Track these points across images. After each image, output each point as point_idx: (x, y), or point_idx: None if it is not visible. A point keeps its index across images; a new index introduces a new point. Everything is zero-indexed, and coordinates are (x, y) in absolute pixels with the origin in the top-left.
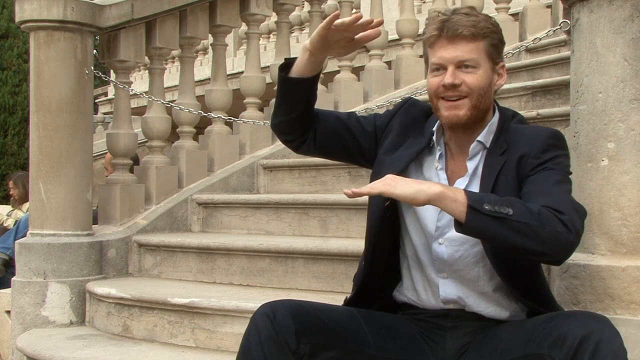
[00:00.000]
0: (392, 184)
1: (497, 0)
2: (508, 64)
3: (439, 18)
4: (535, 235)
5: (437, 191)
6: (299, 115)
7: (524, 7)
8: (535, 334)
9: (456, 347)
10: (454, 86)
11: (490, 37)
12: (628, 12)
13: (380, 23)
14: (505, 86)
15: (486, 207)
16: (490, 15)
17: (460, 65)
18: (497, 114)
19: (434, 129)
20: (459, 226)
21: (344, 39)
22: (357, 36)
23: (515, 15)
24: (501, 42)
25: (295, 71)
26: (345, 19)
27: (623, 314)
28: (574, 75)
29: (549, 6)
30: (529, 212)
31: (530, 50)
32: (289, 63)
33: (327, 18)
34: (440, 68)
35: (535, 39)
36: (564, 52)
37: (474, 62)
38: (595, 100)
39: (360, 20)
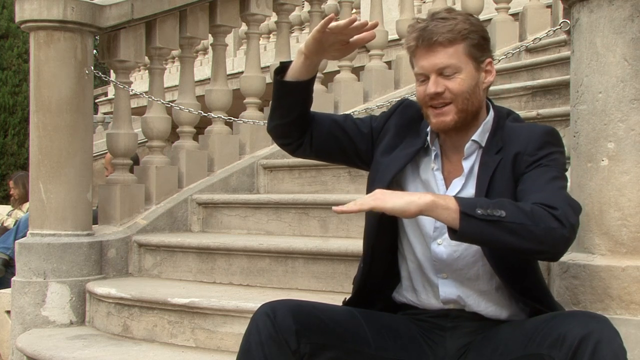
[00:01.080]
0: (382, 199)
1: (497, 0)
2: (508, 64)
3: (417, 26)
4: (529, 234)
5: (427, 201)
6: (295, 118)
7: (524, 7)
8: (535, 334)
9: (456, 347)
10: (438, 94)
11: (470, 37)
12: (628, 12)
13: (375, 25)
14: (505, 86)
15: (479, 211)
16: (490, 15)
17: (441, 72)
18: (491, 113)
19: (428, 130)
20: (454, 233)
21: (339, 42)
22: (352, 39)
23: (515, 15)
24: (484, 39)
25: (290, 75)
26: (339, 22)
27: (623, 314)
28: (574, 75)
29: (549, 6)
30: (521, 212)
31: (530, 50)
32: (284, 67)
33: (322, 21)
34: (424, 77)
35: (535, 39)
36: (564, 52)
37: (454, 68)
38: (595, 100)
39: (355, 23)
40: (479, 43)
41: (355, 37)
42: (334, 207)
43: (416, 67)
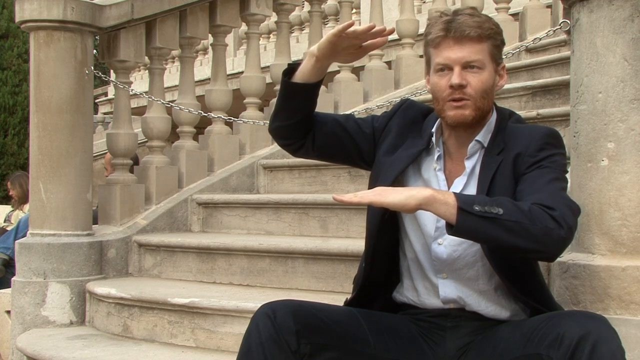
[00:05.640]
0: (382, 194)
1: (497, 0)
2: (508, 64)
3: (443, 19)
4: (526, 233)
5: (427, 195)
6: (299, 120)
7: (524, 7)
8: (533, 334)
9: (456, 347)
10: (461, 86)
11: (494, 38)
12: (628, 12)
13: (392, 32)
14: (505, 86)
15: (476, 208)
16: (490, 15)
17: (467, 66)
18: (494, 114)
19: (433, 130)
20: (450, 229)
21: (352, 46)
22: (365, 43)
23: (515, 15)
24: (502, 43)
25: (299, 77)
26: (357, 28)
27: (623, 314)
28: (574, 75)
29: (549, 6)
30: (519, 211)
31: (530, 50)
32: (292, 68)
33: (340, 26)
34: (446, 68)
35: (535, 39)
36: (564, 52)
37: (479, 63)
38: (595, 100)
39: (373, 29)
40: (499, 45)
41: (369, 41)
42: (333, 195)
43: (439, 58)
